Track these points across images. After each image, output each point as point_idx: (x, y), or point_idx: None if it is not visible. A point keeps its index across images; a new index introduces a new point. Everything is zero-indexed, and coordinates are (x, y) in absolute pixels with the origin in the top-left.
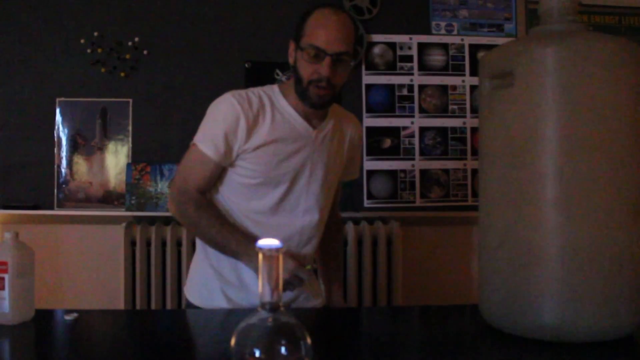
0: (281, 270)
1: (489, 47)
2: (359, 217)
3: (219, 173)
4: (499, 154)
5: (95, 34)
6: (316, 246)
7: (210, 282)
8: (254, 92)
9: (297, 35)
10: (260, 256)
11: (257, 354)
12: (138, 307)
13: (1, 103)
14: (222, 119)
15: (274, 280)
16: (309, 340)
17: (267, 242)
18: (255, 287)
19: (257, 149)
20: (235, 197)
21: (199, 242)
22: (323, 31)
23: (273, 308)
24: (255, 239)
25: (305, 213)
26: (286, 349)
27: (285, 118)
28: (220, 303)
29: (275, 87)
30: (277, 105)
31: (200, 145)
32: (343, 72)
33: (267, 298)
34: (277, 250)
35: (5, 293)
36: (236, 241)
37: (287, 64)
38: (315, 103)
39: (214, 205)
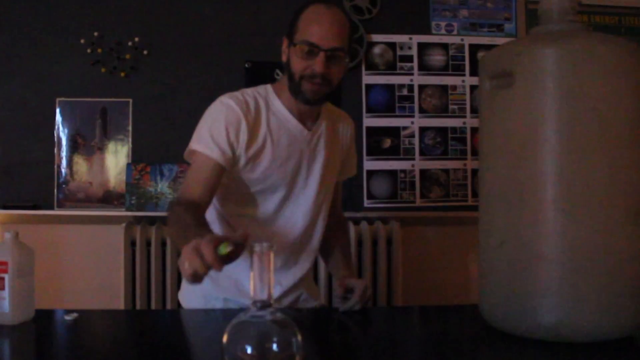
0: (272, 267)
1: (489, 47)
2: (359, 217)
3: (220, 178)
4: (499, 154)
5: (95, 34)
6: (316, 248)
7: (207, 289)
8: (249, 94)
9: (290, 32)
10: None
11: (249, 350)
12: (138, 307)
13: (1, 103)
14: (223, 121)
15: (265, 278)
16: (300, 337)
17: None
18: None
19: (256, 153)
20: (233, 206)
21: None
22: (317, 27)
23: (265, 305)
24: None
25: (304, 217)
26: (277, 346)
27: (280, 120)
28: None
29: (268, 87)
30: (271, 107)
31: (201, 148)
32: (338, 68)
33: (258, 295)
34: (269, 247)
35: (5, 293)
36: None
37: None
38: (310, 99)
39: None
